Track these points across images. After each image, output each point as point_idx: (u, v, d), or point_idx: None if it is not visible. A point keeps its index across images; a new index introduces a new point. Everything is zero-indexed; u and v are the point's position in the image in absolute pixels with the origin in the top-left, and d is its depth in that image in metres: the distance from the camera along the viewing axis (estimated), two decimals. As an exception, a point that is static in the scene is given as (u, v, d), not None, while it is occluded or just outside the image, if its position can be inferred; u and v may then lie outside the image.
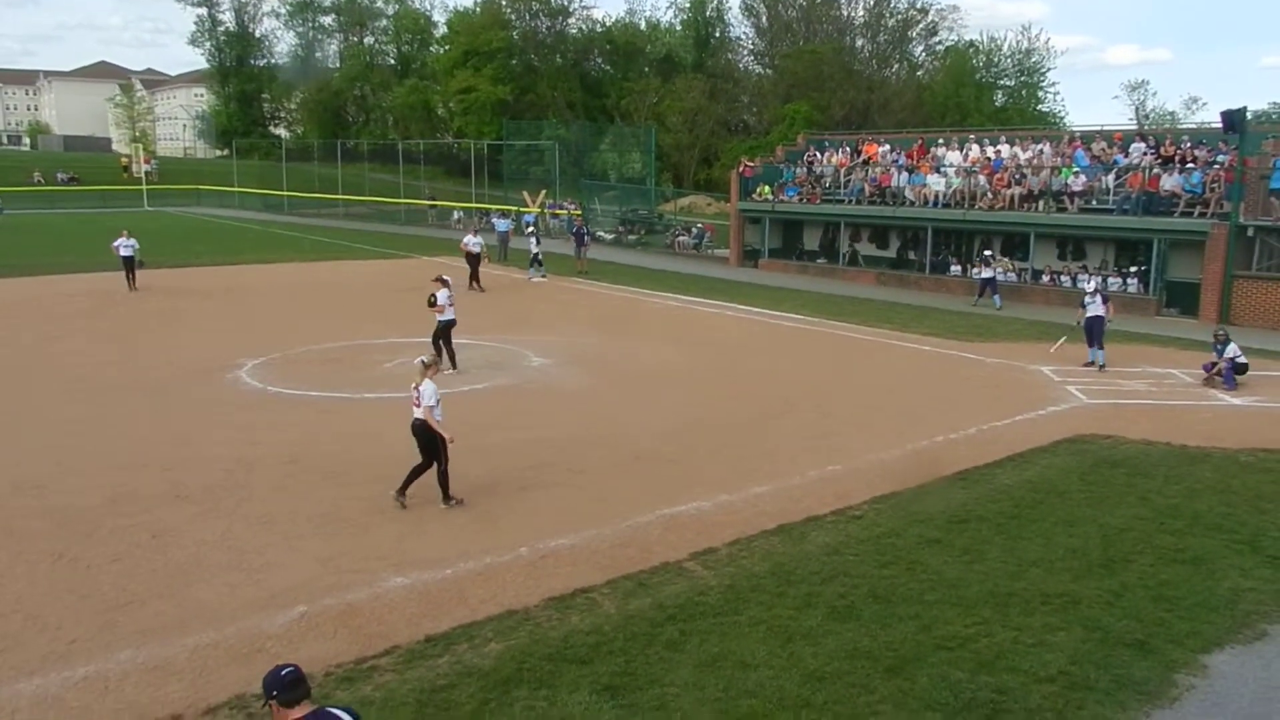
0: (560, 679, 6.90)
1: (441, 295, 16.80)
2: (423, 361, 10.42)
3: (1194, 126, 40.01)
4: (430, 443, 10.16)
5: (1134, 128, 37.96)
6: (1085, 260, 27.93)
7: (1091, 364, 17.82)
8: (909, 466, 11.97)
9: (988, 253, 27.29)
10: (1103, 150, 28.25)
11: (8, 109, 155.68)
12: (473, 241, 28.53)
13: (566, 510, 10.32)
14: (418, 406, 10.14)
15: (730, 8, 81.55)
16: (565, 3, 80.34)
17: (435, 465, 10.26)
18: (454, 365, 16.83)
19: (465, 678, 6.92)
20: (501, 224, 37.29)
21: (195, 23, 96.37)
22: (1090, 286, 18.44)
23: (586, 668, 7.06)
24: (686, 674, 7.00)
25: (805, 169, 35.89)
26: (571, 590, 8.31)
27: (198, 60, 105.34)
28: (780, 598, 8.23)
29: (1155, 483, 11.44)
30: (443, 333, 16.97)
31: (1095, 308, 17.79)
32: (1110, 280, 26.22)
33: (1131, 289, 25.84)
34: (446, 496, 10.35)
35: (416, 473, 10.32)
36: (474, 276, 27.91)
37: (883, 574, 8.73)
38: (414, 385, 10.21)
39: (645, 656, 7.25)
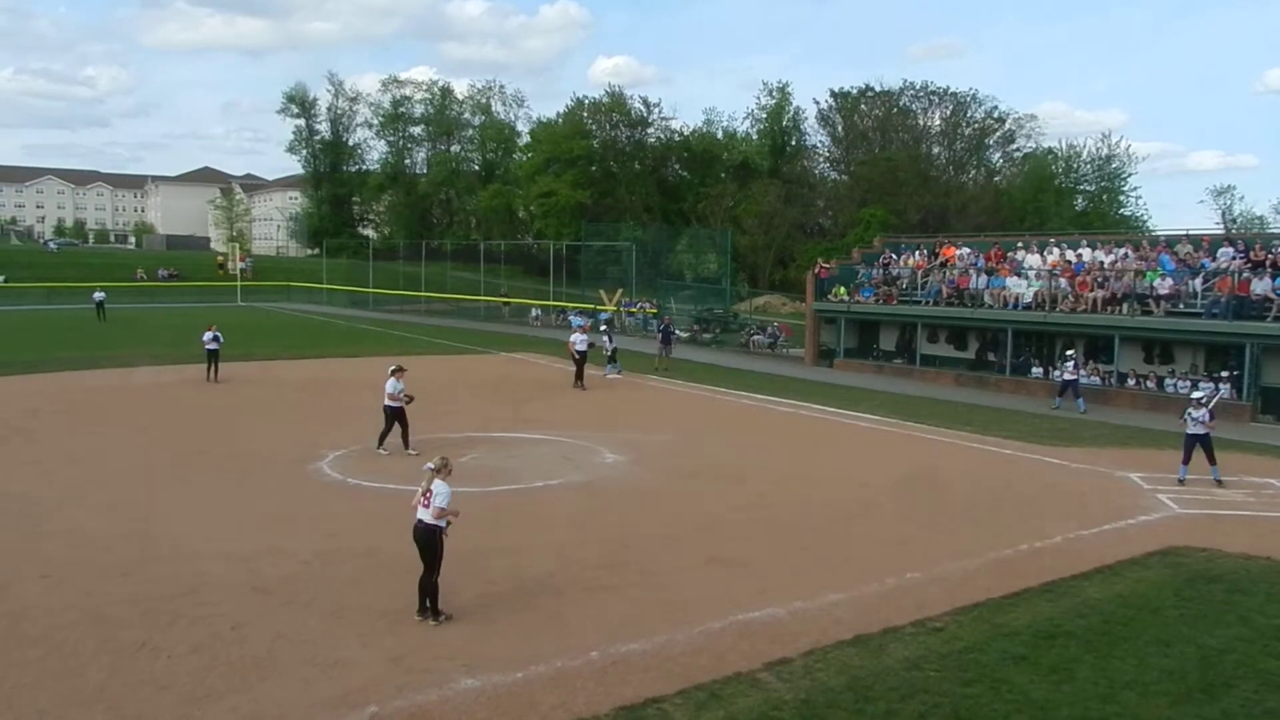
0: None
1: (390, 385, 18.12)
2: (431, 467, 9.92)
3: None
4: (431, 549, 9.75)
5: (1220, 232, 37.20)
6: (1174, 364, 27.18)
7: (1186, 479, 16.62)
8: (991, 576, 11.58)
9: (1070, 353, 26.46)
10: (1189, 254, 27.73)
11: (118, 210, 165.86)
12: (580, 339, 28.80)
13: (638, 613, 10.18)
14: (424, 508, 9.74)
15: (806, 118, 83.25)
16: (645, 114, 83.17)
17: (428, 572, 9.78)
18: (381, 446, 18.21)
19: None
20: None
21: (293, 133, 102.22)
22: (1199, 394, 16.12)
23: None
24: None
25: (881, 270, 35.91)
26: (643, 699, 8.12)
27: (294, 166, 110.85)
28: (857, 715, 7.94)
29: (1256, 600, 10.85)
30: (394, 417, 18.19)
31: (1198, 425, 16.35)
32: (1202, 384, 25.40)
33: (1224, 394, 24.95)
34: (424, 608, 9.79)
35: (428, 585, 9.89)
36: (579, 375, 28.24)
37: (965, 692, 8.37)
38: (422, 488, 9.82)
39: (717, 771, 7.02)
